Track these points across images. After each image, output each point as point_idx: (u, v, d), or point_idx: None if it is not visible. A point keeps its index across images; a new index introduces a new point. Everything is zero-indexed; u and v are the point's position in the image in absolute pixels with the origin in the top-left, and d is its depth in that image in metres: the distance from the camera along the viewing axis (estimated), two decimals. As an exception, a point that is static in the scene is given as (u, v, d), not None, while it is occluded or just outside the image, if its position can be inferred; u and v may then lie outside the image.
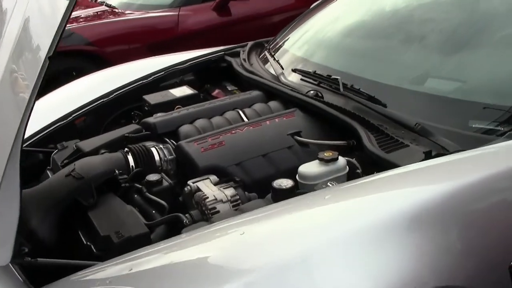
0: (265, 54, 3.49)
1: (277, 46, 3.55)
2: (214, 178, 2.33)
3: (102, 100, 3.20)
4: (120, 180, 2.40)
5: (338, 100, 2.67)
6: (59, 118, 3.05)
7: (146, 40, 5.94)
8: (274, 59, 3.26)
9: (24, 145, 2.83)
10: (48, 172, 2.72)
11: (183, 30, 6.12)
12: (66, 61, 5.47)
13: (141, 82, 3.34)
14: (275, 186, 2.15)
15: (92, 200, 2.29)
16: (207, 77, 3.60)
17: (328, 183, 2.13)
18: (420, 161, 2.10)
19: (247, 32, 5.80)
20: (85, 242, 2.16)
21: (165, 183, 2.37)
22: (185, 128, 2.72)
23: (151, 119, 2.83)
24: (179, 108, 3.08)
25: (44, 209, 2.28)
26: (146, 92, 3.28)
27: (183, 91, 3.25)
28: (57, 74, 5.17)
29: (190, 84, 3.46)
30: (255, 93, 3.04)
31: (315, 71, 2.91)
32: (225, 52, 3.67)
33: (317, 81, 2.88)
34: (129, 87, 3.30)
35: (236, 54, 3.63)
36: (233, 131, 2.57)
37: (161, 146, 2.63)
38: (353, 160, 2.33)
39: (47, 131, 3.00)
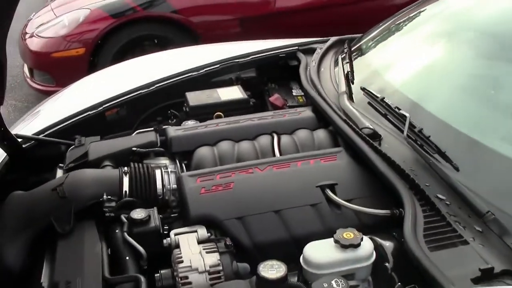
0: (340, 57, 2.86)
1: (358, 48, 2.90)
2: (202, 232, 1.86)
3: (140, 91, 2.81)
4: (105, 209, 2.00)
5: (398, 146, 2.05)
6: (88, 107, 2.72)
7: (237, 14, 5.42)
8: (344, 68, 2.62)
9: (47, 133, 2.57)
10: (58, 170, 2.41)
11: (281, 7, 5.47)
12: (149, 27, 5.16)
13: (190, 74, 2.90)
14: (260, 272, 1.62)
15: (68, 228, 1.93)
16: (272, 75, 3.06)
17: (334, 283, 1.55)
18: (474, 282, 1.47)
19: (355, 16, 5.05)
20: (40, 281, 1.80)
21: (152, 223, 1.92)
22: (200, 153, 2.25)
23: (170, 130, 2.39)
24: (219, 114, 2.62)
25: (16, 228, 1.97)
26: (192, 87, 2.84)
27: (232, 93, 2.76)
28: (138, 40, 4.92)
29: (249, 82, 2.97)
30: (305, 113, 2.47)
31: (383, 97, 2.26)
32: (299, 48, 3.09)
33: (383, 111, 2.24)
34: (174, 79, 2.88)
35: (311, 52, 3.03)
36: (250, 170, 2.05)
37: (170, 169, 2.19)
38: (385, 245, 1.73)
39: (73, 120, 2.69)
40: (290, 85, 3.04)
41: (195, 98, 2.71)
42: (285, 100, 2.87)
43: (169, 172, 2.17)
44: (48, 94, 4.75)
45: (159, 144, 2.34)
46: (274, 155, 2.22)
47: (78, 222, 1.97)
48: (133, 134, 2.62)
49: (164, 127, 2.68)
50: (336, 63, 2.84)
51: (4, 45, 2.19)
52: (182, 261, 1.75)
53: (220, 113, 2.65)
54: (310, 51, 3.05)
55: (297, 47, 3.08)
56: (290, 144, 2.26)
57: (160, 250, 1.88)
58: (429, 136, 1.98)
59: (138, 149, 2.26)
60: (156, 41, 5.06)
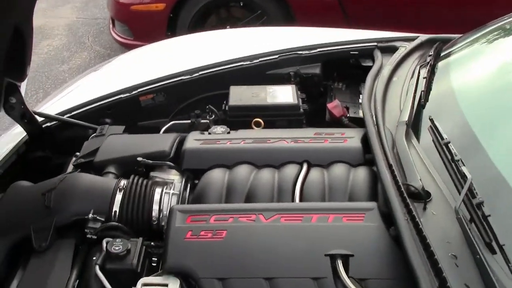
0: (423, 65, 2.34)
1: (447, 56, 2.34)
2: (174, 290, 1.55)
3: (181, 77, 2.50)
4: (87, 230, 1.76)
5: (446, 216, 1.57)
6: (121, 90, 2.46)
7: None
8: (418, 84, 2.11)
9: (75, 113, 2.38)
10: (73, 158, 2.21)
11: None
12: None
13: (241, 63, 2.51)
14: None
15: (44, 245, 1.74)
16: (341, 73, 2.59)
17: None
18: None
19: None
20: None
21: (128, 261, 1.65)
22: (208, 178, 1.91)
23: (189, 140, 2.07)
24: (258, 122, 2.25)
25: None
26: (242, 78, 2.48)
27: (283, 94, 2.35)
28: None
29: (310, 80, 2.53)
30: (352, 142, 2.03)
31: (448, 142, 1.76)
32: (378, 44, 2.57)
33: (445, 160, 1.76)
34: (222, 67, 2.50)
35: (392, 51, 2.52)
36: (253, 216, 1.68)
37: (173, 190, 1.88)
38: None
39: (103, 102, 2.46)
40: (360, 87, 2.56)
41: (238, 95, 2.35)
42: (346, 109, 2.42)
43: (170, 195, 1.87)
44: (127, 47, 4.59)
45: (171, 155, 2.02)
46: (292, 197, 1.82)
47: (57, 239, 1.77)
48: (161, 132, 2.37)
49: (202, 121, 2.39)
50: (414, 73, 2.31)
51: (30, 19, 1.98)
52: (135, 330, 1.47)
53: (259, 120, 2.27)
54: (391, 50, 2.53)
55: (375, 44, 2.57)
56: (316, 185, 1.85)
57: None
58: (488, 216, 1.48)
59: (144, 160, 1.96)
60: (241, 4, 4.64)
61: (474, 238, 1.47)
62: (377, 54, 2.51)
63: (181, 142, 2.10)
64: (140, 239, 1.72)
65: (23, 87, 2.17)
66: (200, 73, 2.50)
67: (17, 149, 2.25)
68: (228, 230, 1.65)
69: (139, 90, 2.46)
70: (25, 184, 2.01)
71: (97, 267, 1.64)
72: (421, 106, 2.07)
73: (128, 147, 2.09)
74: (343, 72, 2.64)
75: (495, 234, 1.45)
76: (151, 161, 1.97)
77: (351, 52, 2.54)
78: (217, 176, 1.90)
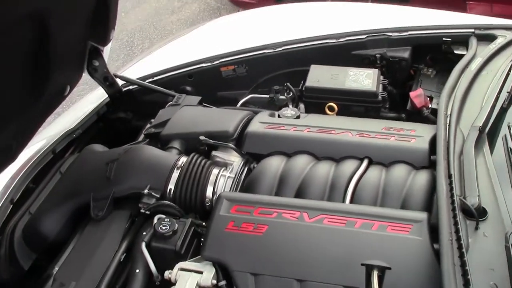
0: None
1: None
2: (207, 277, 1.61)
3: (264, 51, 2.47)
4: (140, 205, 1.85)
5: (497, 240, 1.46)
6: (203, 59, 2.49)
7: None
8: (505, 81, 1.95)
9: (156, 78, 2.49)
10: (148, 124, 2.31)
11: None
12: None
13: (327, 41, 2.43)
14: None
15: (100, 214, 1.86)
16: (435, 57, 2.43)
17: None
18: None
19: None
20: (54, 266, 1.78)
21: (173, 242, 1.71)
22: (264, 166, 1.91)
23: (253, 122, 2.06)
24: (331, 106, 2.21)
25: (61, 197, 1.98)
26: (326, 56, 2.42)
27: (363, 79, 2.27)
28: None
29: (397, 64, 2.40)
30: (419, 143, 1.91)
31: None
32: (475, 31, 2.37)
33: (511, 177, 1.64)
34: (306, 43, 2.45)
35: (491, 39, 2.32)
36: (297, 213, 1.68)
37: (229, 173, 1.92)
38: None
39: (185, 70, 2.51)
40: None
41: (317, 75, 2.30)
42: (430, 99, 2.29)
43: (226, 177, 1.90)
44: (237, 5, 4.56)
45: (235, 136, 2.03)
46: (344, 196, 1.77)
47: (113, 210, 1.88)
48: (239, 105, 2.42)
49: (281, 97, 2.39)
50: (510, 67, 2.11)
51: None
52: (165, 311, 1.55)
53: (333, 105, 2.22)
54: (489, 39, 2.32)
55: (472, 30, 2.36)
56: (371, 186, 1.78)
57: None
58: None
59: (206, 139, 1.99)
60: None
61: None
62: (473, 42, 2.32)
63: (249, 121, 2.11)
64: (189, 220, 1.77)
65: (107, 51, 2.27)
66: (284, 48, 2.46)
67: (98, 110, 2.38)
68: (269, 225, 1.65)
69: (221, 60, 2.48)
70: (97, 148, 2.13)
71: (143, 244, 1.72)
72: (503, 109, 1.91)
73: (195, 122, 2.12)
74: (437, 56, 2.47)
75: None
76: (212, 141, 2.00)
77: (443, 39, 2.35)
78: (273, 165, 1.89)
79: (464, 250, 1.43)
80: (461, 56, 2.29)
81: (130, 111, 2.52)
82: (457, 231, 1.48)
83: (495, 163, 1.71)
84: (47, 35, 1.70)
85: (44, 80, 1.88)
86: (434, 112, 2.23)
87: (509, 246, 1.39)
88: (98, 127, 2.42)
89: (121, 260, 1.75)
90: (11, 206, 1.94)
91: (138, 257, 1.73)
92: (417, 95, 2.26)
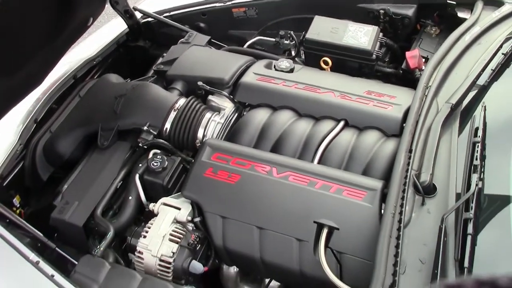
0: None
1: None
2: (183, 214, 1.88)
3: (276, -6, 2.57)
4: (139, 140, 2.10)
5: (437, 219, 1.61)
6: (217, -1, 2.62)
7: None
8: (491, 58, 2.01)
9: (173, 13, 2.69)
10: (160, 59, 2.51)
11: None
12: None
13: None
14: None
15: (106, 144, 2.13)
16: (443, 15, 2.49)
17: None
18: None
19: None
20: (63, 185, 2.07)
21: (161, 177, 1.97)
22: (248, 117, 2.10)
23: (248, 73, 2.23)
24: (325, 61, 2.35)
25: (75, 123, 2.24)
26: (333, 5, 2.53)
27: (360, 36, 2.35)
28: None
29: (400, 21, 2.48)
30: (394, 111, 2.05)
31: (477, 142, 1.75)
32: (483, -6, 2.39)
33: (465, 160, 1.77)
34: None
35: (498, 4, 2.34)
36: (267, 167, 1.89)
37: (219, 118, 2.12)
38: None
39: (199, 8, 2.66)
40: (453, 36, 2.46)
41: (318, 27, 2.39)
42: (425, 60, 2.37)
43: (216, 123, 2.11)
44: None
45: (230, 84, 2.21)
46: (314, 155, 1.96)
47: (116, 140, 2.13)
48: (246, 46, 2.56)
49: (285, 42, 2.53)
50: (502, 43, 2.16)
51: None
52: (145, 237, 1.83)
53: (328, 60, 2.34)
54: (496, 4, 2.33)
55: None
56: (339, 149, 1.95)
57: None
58: (469, 235, 1.54)
59: (203, 85, 2.18)
60: None
61: (446, 251, 1.55)
62: (478, 6, 2.33)
63: (246, 69, 2.27)
64: (178, 159, 2.01)
65: None
66: None
67: (118, 39, 2.58)
68: (241, 176, 1.87)
69: (233, 2, 2.60)
70: (112, 79, 2.36)
71: (137, 176, 1.99)
72: (483, 87, 1.99)
73: (197, 66, 2.30)
74: (444, 14, 2.50)
75: (464, 254, 1.51)
76: (208, 88, 2.18)
77: (448, 1, 2.38)
78: (257, 117, 2.08)
79: (402, 224, 1.61)
80: (465, 19, 2.32)
81: (148, 40, 2.70)
82: (401, 205, 1.66)
83: (461, 142, 1.81)
84: None
85: (70, 12, 2.08)
86: (426, 75, 2.32)
87: (443, 227, 1.55)
88: (118, 53, 2.63)
89: (118, 187, 2.03)
90: (35, 125, 2.21)
91: (132, 186, 2.00)
92: (412, 56, 2.34)
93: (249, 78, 2.20)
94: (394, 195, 1.68)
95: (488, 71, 2.01)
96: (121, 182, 2.04)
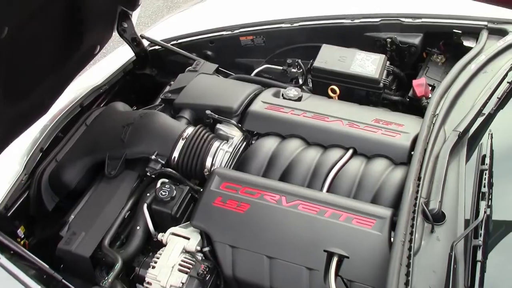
0: None
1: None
2: (192, 244, 1.87)
3: (281, 25, 2.61)
4: (147, 168, 2.10)
5: (447, 246, 1.60)
6: (224, 27, 2.66)
7: None
8: (497, 87, 2.03)
9: (181, 41, 2.72)
10: (167, 87, 2.53)
11: None
12: None
13: (342, 21, 2.54)
14: None
15: (113, 173, 2.12)
16: (448, 43, 2.52)
17: None
18: None
19: None
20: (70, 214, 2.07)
21: (169, 207, 1.97)
22: (257, 146, 2.11)
23: (256, 102, 2.24)
24: (333, 89, 2.37)
25: (82, 152, 2.24)
26: (340, 35, 2.55)
27: (368, 65, 2.37)
28: None
29: (407, 50, 2.50)
30: (402, 139, 2.05)
31: (485, 169, 1.76)
32: (488, 25, 2.42)
33: (474, 188, 1.77)
34: (322, 21, 2.58)
35: (503, 34, 2.36)
36: (277, 197, 1.89)
37: (228, 147, 2.13)
38: None
39: (206, 36, 2.69)
40: (458, 64, 2.48)
41: (326, 55, 2.42)
42: (432, 88, 2.39)
43: (224, 152, 2.12)
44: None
45: (238, 112, 2.23)
46: (323, 184, 1.97)
47: (124, 169, 2.13)
48: (253, 74, 2.58)
49: (293, 70, 2.55)
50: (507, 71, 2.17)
51: None
52: (154, 267, 1.82)
53: (335, 88, 2.36)
54: (501, 33, 2.36)
55: (486, 23, 2.41)
56: (348, 177, 1.96)
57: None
58: (479, 262, 1.54)
59: (212, 114, 2.20)
60: None
61: (456, 278, 1.54)
62: (483, 36, 2.35)
63: (254, 98, 2.28)
64: (186, 188, 2.02)
65: (135, 15, 2.47)
66: (301, 23, 2.58)
67: (124, 67, 2.61)
68: (251, 205, 1.88)
69: (240, 30, 2.63)
70: (119, 107, 2.37)
71: (145, 206, 1.99)
72: (490, 115, 2.00)
73: (205, 94, 2.32)
74: (450, 43, 2.53)
75: (474, 281, 1.50)
76: (217, 116, 2.19)
77: (454, 30, 2.41)
78: (265, 146, 2.09)
79: (412, 252, 1.61)
80: (470, 48, 2.35)
81: (155, 68, 2.73)
82: (411, 233, 1.66)
83: (469, 170, 1.82)
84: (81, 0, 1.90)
85: (77, 40, 2.11)
86: (432, 103, 2.34)
87: (452, 255, 1.55)
88: (124, 81, 2.65)
89: (126, 216, 2.02)
90: (40, 154, 2.22)
91: (140, 216, 2.00)
92: (419, 84, 2.36)
93: (257, 106, 2.21)
94: (403, 223, 1.68)
95: (494, 99, 2.03)
96: (129, 211, 2.04)
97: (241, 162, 2.09)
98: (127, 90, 2.65)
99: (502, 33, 2.36)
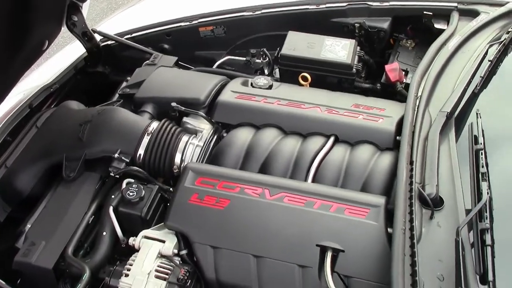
0: None
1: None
2: (168, 247, 1.68)
3: (243, 13, 2.45)
4: (110, 168, 1.88)
5: (449, 232, 1.49)
6: (182, 18, 2.47)
7: None
8: (479, 65, 1.96)
9: (135, 35, 2.50)
10: (124, 83, 2.31)
11: None
12: None
13: (307, 7, 2.41)
14: None
15: (72, 175, 1.89)
16: (415, 28, 2.44)
17: None
18: None
19: None
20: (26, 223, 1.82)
21: (139, 209, 1.76)
22: (231, 137, 1.93)
23: (225, 91, 2.07)
24: (304, 76, 2.23)
25: (36, 155, 2.00)
26: (305, 22, 2.42)
27: (338, 50, 2.25)
28: None
29: (376, 35, 2.40)
30: (385, 123, 1.94)
31: (481, 148, 1.65)
32: (458, 6, 2.35)
33: (471, 169, 1.66)
34: (286, 8, 2.42)
35: (474, 15, 2.29)
36: (259, 190, 1.72)
37: (198, 141, 1.94)
38: None
39: (163, 28, 2.49)
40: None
41: (293, 43, 2.28)
42: (405, 73, 2.29)
43: (195, 146, 1.93)
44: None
45: (206, 104, 2.05)
46: (306, 174, 1.81)
47: (84, 171, 1.91)
48: (215, 66, 2.43)
49: (257, 60, 2.39)
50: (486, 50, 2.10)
51: None
52: (127, 275, 1.61)
53: (307, 75, 2.22)
54: (471, 14, 2.29)
55: (456, 4, 2.33)
56: (334, 166, 1.82)
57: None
58: (488, 246, 1.42)
59: (178, 106, 2.01)
60: None
61: (466, 265, 1.42)
62: (454, 17, 2.28)
63: (222, 88, 2.11)
64: (156, 187, 1.82)
65: (86, 8, 2.24)
66: (263, 11, 2.43)
67: (75, 64, 2.38)
68: (231, 200, 1.70)
69: (199, 20, 2.46)
70: (73, 106, 2.15)
71: (110, 208, 1.78)
72: (474, 94, 1.91)
73: (168, 87, 2.13)
74: (418, 26, 2.44)
75: (486, 266, 1.39)
76: (183, 108, 2.01)
77: (424, 12, 2.33)
78: (240, 137, 1.92)
79: (415, 240, 1.47)
80: (442, 31, 2.27)
81: (108, 65, 2.51)
82: (411, 220, 1.52)
83: (460, 150, 1.72)
84: None
85: (23, 35, 1.88)
86: (408, 87, 2.24)
87: (459, 240, 1.42)
88: (75, 80, 2.42)
89: (89, 222, 1.80)
90: None
91: (105, 220, 1.79)
92: (392, 69, 2.26)
93: (227, 96, 2.04)
94: (401, 210, 1.55)
95: (477, 79, 1.94)
96: (93, 216, 1.82)
97: (214, 156, 1.91)
98: (77, 90, 2.41)
99: (473, 14, 2.30)
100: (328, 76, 2.23)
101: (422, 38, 2.44)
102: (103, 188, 1.89)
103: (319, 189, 1.72)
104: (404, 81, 2.27)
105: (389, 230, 1.60)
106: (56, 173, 1.94)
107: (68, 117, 2.07)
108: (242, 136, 1.92)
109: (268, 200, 1.69)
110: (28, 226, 1.80)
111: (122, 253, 1.77)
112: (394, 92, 2.26)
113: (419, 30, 2.47)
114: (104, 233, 1.76)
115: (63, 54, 2.50)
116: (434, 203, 1.56)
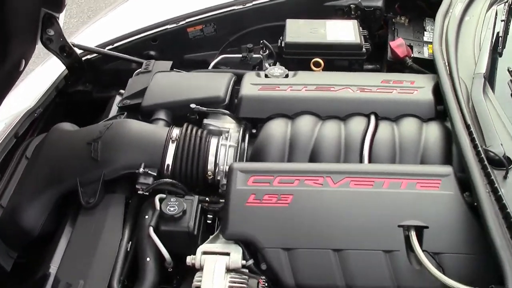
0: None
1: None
2: (236, 258, 1.48)
3: (233, 8, 2.31)
4: (138, 186, 1.66)
5: None
6: (168, 20, 2.29)
7: None
8: (495, 27, 1.93)
9: (117, 44, 2.30)
10: (117, 97, 2.09)
11: None
12: None
13: None
14: None
15: (92, 201, 1.65)
16: (404, 5, 2.41)
17: None
18: None
19: None
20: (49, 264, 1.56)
21: (184, 223, 1.56)
22: (270, 130, 1.78)
23: (245, 85, 1.92)
24: (317, 62, 2.10)
25: (39, 186, 1.74)
26: (298, 10, 2.32)
27: (343, 31, 2.17)
28: None
29: (372, 14, 2.34)
30: (422, 93, 1.86)
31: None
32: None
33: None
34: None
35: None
36: (321, 179, 1.56)
37: (229, 142, 1.77)
38: None
39: (149, 33, 2.30)
40: (424, 23, 2.36)
41: (295, 30, 2.16)
42: (410, 48, 2.23)
43: (227, 147, 1.75)
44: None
45: (226, 101, 1.88)
46: (361, 156, 1.69)
47: (105, 194, 1.68)
48: (210, 67, 2.24)
49: (255, 55, 2.25)
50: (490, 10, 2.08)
51: None
52: (195, 296, 1.41)
53: (319, 61, 2.10)
54: None
55: None
56: (386, 143, 1.71)
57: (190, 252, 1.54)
58: None
59: (198, 107, 1.83)
60: None
61: None
62: None
63: (236, 83, 1.95)
64: (196, 197, 1.63)
65: (61, 18, 2.01)
66: (254, 3, 2.31)
67: (56, 84, 2.13)
68: (294, 194, 1.53)
69: (187, 20, 2.29)
70: (67, 127, 1.91)
71: (151, 229, 1.56)
72: (497, 54, 1.88)
73: (178, 89, 1.95)
74: (405, 4, 2.41)
75: None
76: (205, 109, 1.83)
77: None
78: (278, 128, 1.77)
79: (504, 201, 1.39)
80: (433, 3, 2.24)
81: (89, 82, 2.28)
82: (491, 183, 1.44)
83: (504, 109, 1.67)
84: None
85: None
86: (417, 60, 2.19)
87: None
88: (55, 102, 2.17)
89: (128, 249, 1.58)
90: None
91: (145, 244, 1.57)
92: (398, 45, 2.20)
93: (249, 89, 1.88)
94: (477, 175, 1.46)
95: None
96: (130, 242, 1.60)
97: (254, 153, 1.75)
98: (58, 114, 2.16)
99: None
100: (337, 60, 2.12)
101: (414, 14, 2.41)
102: (130, 210, 1.67)
103: (382, 168, 1.60)
104: (412, 55, 2.20)
105: (466, 198, 1.51)
106: (67, 203, 1.71)
107: (68, 138, 1.84)
108: (280, 128, 1.76)
109: (334, 188, 1.54)
110: (52, 267, 1.55)
111: (168, 277, 1.57)
112: (401, 69, 2.19)
113: (407, 8, 2.43)
114: (148, 259, 1.54)
115: (40, 72, 2.23)
116: (507, 163, 1.48)
